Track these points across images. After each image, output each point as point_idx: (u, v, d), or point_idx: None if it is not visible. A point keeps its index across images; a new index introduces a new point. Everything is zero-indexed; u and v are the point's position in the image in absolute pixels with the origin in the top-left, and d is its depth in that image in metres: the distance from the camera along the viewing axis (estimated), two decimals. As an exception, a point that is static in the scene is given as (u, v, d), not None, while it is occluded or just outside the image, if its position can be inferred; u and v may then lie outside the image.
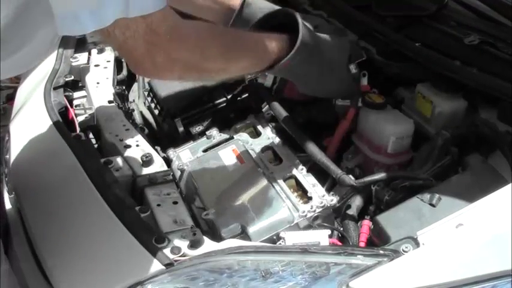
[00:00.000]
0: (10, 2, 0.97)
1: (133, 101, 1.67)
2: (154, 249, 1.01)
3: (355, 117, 1.33)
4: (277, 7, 1.36)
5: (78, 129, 1.41)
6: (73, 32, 1.00)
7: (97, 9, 0.88)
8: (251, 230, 1.13)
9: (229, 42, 1.14)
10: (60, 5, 0.89)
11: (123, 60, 1.72)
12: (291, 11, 1.24)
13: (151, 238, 1.03)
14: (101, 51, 1.70)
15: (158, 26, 0.96)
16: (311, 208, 1.15)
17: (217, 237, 1.12)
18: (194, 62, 1.06)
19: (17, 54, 1.07)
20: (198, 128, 1.47)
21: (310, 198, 1.18)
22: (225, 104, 1.52)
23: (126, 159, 1.30)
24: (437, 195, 1.09)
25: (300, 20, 1.20)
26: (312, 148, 1.26)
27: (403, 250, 0.98)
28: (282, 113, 1.37)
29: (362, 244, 1.10)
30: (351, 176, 1.19)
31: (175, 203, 1.17)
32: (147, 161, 1.29)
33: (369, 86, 1.36)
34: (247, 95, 1.52)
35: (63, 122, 1.40)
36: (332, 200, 1.17)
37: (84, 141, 1.34)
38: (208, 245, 1.03)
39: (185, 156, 1.38)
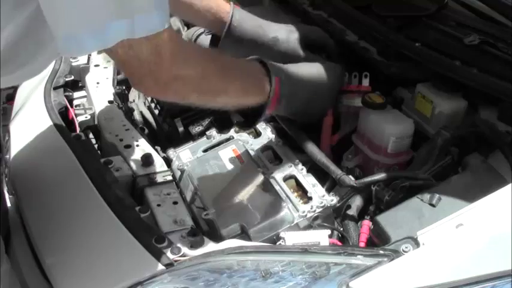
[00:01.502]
0: (12, 24, 0.97)
1: (134, 101, 1.66)
2: (154, 249, 1.01)
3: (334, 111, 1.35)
4: (263, 24, 1.39)
5: (78, 129, 1.41)
6: (75, 54, 0.98)
7: (100, 30, 0.86)
8: (251, 230, 1.13)
9: (226, 62, 1.16)
10: (61, 27, 0.88)
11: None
12: (264, 61, 1.22)
13: (151, 238, 1.03)
14: (101, 51, 1.69)
15: (163, 46, 0.95)
16: (311, 208, 1.15)
17: (217, 237, 1.11)
18: (195, 80, 1.06)
19: (18, 72, 1.07)
20: (198, 128, 1.47)
21: (310, 198, 1.18)
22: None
23: (126, 159, 1.31)
24: (437, 195, 1.09)
25: (273, 77, 1.19)
26: (312, 148, 1.26)
27: (403, 250, 0.98)
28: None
29: (362, 244, 1.10)
30: (351, 176, 1.19)
31: (175, 203, 1.18)
32: (147, 161, 1.29)
33: (370, 86, 1.35)
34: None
35: (63, 122, 1.40)
36: (332, 200, 1.17)
37: (84, 141, 1.34)
38: (208, 245, 1.03)
39: (185, 156, 1.38)
